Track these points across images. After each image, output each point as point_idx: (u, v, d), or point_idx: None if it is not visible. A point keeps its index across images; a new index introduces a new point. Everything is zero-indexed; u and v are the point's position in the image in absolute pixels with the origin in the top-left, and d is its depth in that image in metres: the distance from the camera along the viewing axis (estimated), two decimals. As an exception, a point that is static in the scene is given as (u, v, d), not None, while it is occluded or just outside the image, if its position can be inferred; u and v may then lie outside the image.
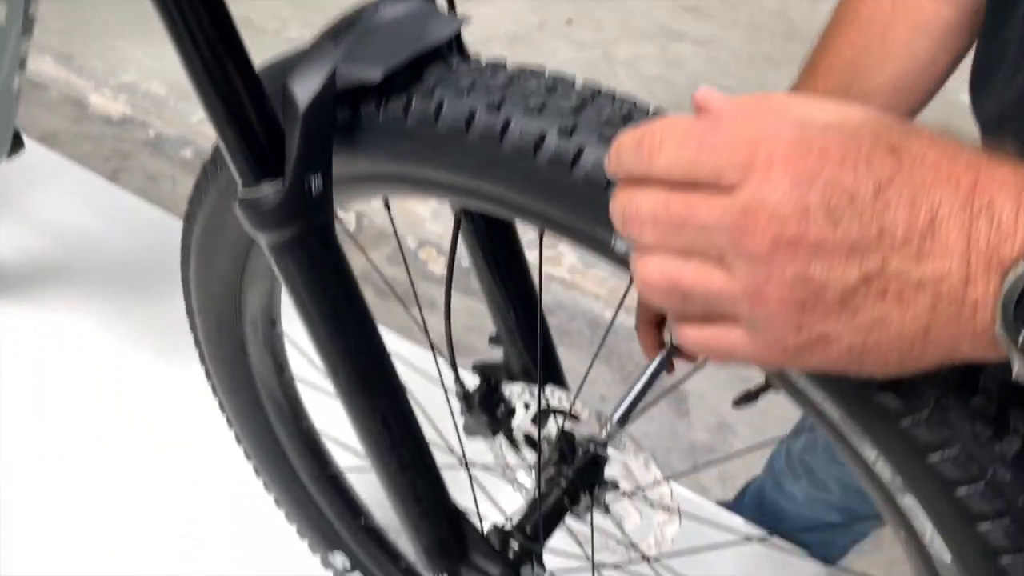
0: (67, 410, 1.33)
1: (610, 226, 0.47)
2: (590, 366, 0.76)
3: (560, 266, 2.19)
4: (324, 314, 0.56)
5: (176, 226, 0.78)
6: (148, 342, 1.42)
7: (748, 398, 0.60)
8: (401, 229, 2.32)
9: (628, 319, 0.85)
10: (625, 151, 0.38)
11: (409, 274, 0.81)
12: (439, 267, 2.21)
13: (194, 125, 2.54)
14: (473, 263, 0.72)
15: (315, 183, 0.52)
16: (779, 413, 1.85)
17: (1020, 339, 0.30)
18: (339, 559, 0.98)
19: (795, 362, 0.35)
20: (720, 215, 0.33)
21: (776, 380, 0.48)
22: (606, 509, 0.76)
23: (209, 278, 0.76)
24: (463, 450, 0.76)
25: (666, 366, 0.75)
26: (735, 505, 1.32)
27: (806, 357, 0.35)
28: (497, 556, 0.68)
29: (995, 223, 0.31)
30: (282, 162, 0.51)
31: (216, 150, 0.64)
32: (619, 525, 0.76)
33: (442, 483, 0.65)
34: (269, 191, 0.51)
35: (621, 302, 0.68)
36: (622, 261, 0.48)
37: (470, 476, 0.76)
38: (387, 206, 0.65)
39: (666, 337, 0.83)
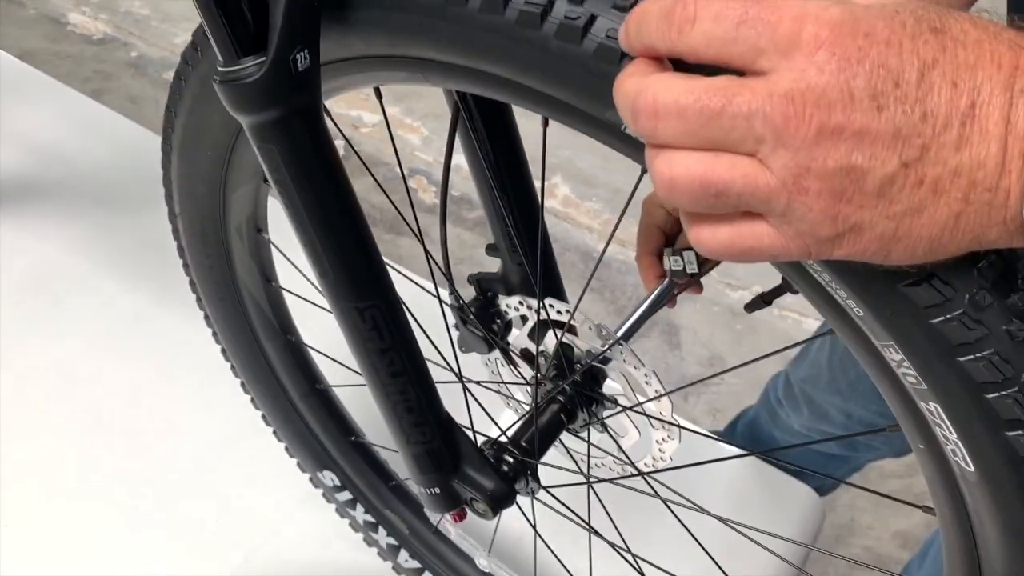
0: (48, 326, 1.30)
1: (623, 106, 0.43)
2: (588, 282, 0.72)
3: (554, 197, 2.15)
4: (310, 205, 0.52)
5: (159, 142, 0.74)
6: (131, 257, 1.39)
7: (761, 302, 0.57)
8: (389, 158, 2.27)
9: (619, 251, 0.82)
10: (649, 20, 0.34)
11: (402, 169, 0.76)
12: (429, 196, 2.17)
13: (178, 46, 2.46)
14: (471, 165, 0.68)
15: (301, 59, 0.47)
16: (773, 344, 1.85)
17: None
18: (328, 477, 0.96)
19: (823, 253, 0.34)
20: (761, 102, 0.31)
21: (795, 280, 0.45)
22: (603, 426, 0.74)
23: (191, 179, 0.72)
24: (457, 363, 0.73)
25: (668, 297, 0.72)
26: (727, 435, 1.31)
27: (835, 248, 0.33)
28: (491, 470, 0.66)
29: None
30: (265, 36, 0.47)
31: (197, 32, 0.59)
32: (616, 442, 0.74)
33: (435, 392, 0.63)
34: (252, 67, 0.47)
35: (611, 235, 0.65)
36: (634, 146, 0.44)
37: (464, 388, 0.73)
38: (378, 96, 0.61)
39: (667, 266, 0.80)
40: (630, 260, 2.01)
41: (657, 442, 0.73)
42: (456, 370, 0.72)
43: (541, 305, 0.67)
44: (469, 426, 0.69)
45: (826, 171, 0.31)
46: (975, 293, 0.38)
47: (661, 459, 0.74)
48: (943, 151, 0.30)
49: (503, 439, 0.70)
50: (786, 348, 0.65)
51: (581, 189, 2.16)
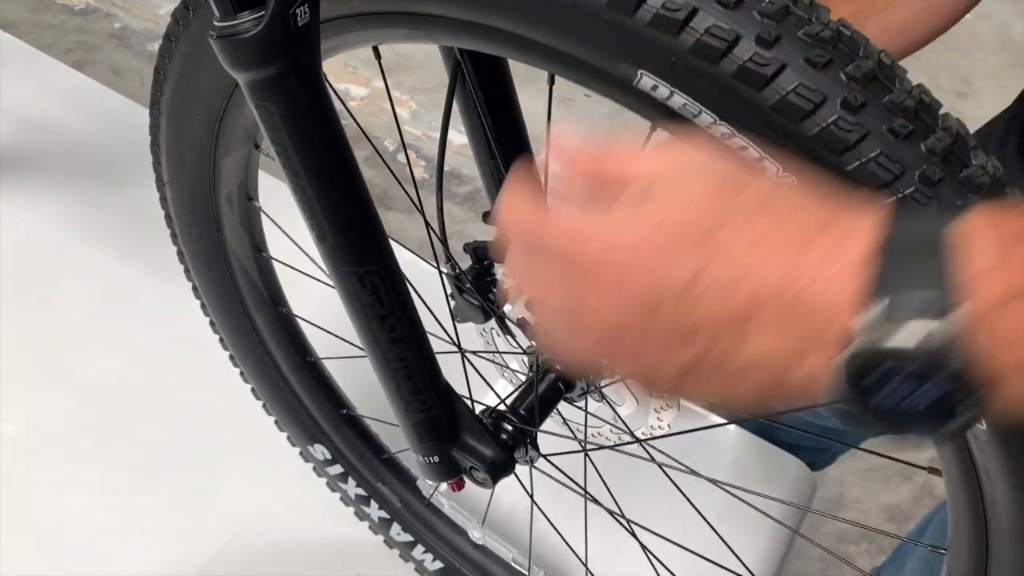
0: (33, 299, 1.28)
1: (634, 60, 0.42)
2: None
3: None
4: (309, 166, 0.51)
5: (144, 113, 0.72)
6: (117, 230, 1.36)
7: None
8: (378, 131, 2.25)
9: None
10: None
11: (402, 136, 0.75)
12: (419, 171, 2.15)
13: (163, 18, 2.42)
14: (468, 131, 0.67)
15: (301, 14, 0.46)
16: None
17: (870, 404, 0.30)
18: (319, 451, 0.95)
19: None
20: (555, 307, 0.37)
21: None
22: (601, 395, 0.74)
23: (181, 145, 0.71)
24: (456, 333, 0.72)
25: None
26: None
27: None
28: (490, 438, 0.65)
29: (822, 299, 0.30)
30: (264, -11, 0.45)
31: (188, -12, 0.58)
32: (614, 411, 0.74)
33: (434, 359, 0.62)
34: (250, 21, 0.46)
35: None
36: (646, 102, 0.43)
37: (463, 357, 0.73)
38: (377, 55, 0.59)
39: None
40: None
41: (655, 410, 0.72)
42: (455, 340, 0.71)
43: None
44: (468, 395, 0.68)
45: (628, 363, 0.35)
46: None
47: (659, 427, 0.73)
48: (727, 344, 0.32)
49: (502, 408, 0.69)
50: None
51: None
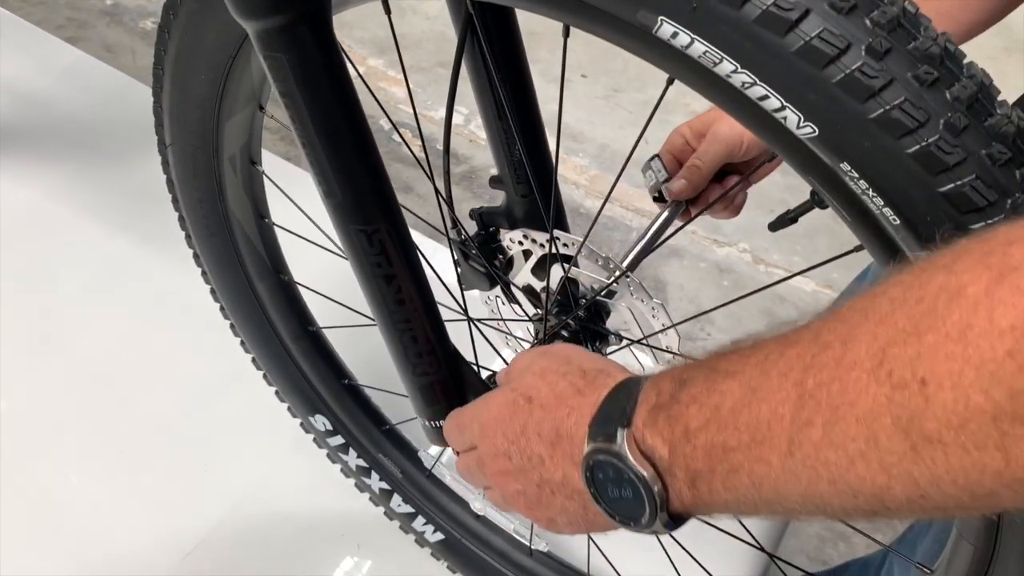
0: (31, 272, 1.27)
1: (654, 6, 0.41)
2: (598, 213, 0.70)
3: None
4: (318, 119, 0.50)
5: (140, 88, 0.71)
6: (114, 202, 1.35)
7: (787, 220, 0.56)
8: (373, 111, 2.23)
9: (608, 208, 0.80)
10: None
11: (409, 91, 0.74)
12: (417, 150, 2.13)
13: (155, -7, 2.40)
14: (477, 91, 0.66)
15: (313, -39, 0.45)
16: (757, 307, 1.84)
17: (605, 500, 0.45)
18: (320, 422, 0.95)
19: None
20: (475, 463, 0.55)
21: (827, 192, 0.43)
22: (608, 362, 0.73)
23: (184, 105, 0.70)
24: (464, 300, 0.72)
25: (679, 214, 0.71)
26: None
27: (551, 524, 0.52)
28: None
29: (574, 440, 0.46)
30: (275, -66, 0.45)
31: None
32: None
33: (441, 322, 0.61)
34: (260, -33, 0.45)
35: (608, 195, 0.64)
36: (665, 51, 0.42)
37: (470, 324, 0.72)
38: (387, 9, 0.58)
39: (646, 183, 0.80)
40: (616, 216, 2.00)
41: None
42: (463, 306, 0.71)
43: (551, 226, 0.66)
44: (475, 362, 0.68)
45: (508, 490, 0.52)
46: None
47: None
48: (546, 474, 0.48)
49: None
50: (764, 287, 0.65)
51: (567, 144, 2.14)
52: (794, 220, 0.57)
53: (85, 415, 1.13)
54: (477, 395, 0.64)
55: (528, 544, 0.92)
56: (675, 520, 0.43)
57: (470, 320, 0.72)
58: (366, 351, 1.05)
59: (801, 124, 0.40)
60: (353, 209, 0.54)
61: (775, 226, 0.58)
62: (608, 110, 2.22)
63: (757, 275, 1.91)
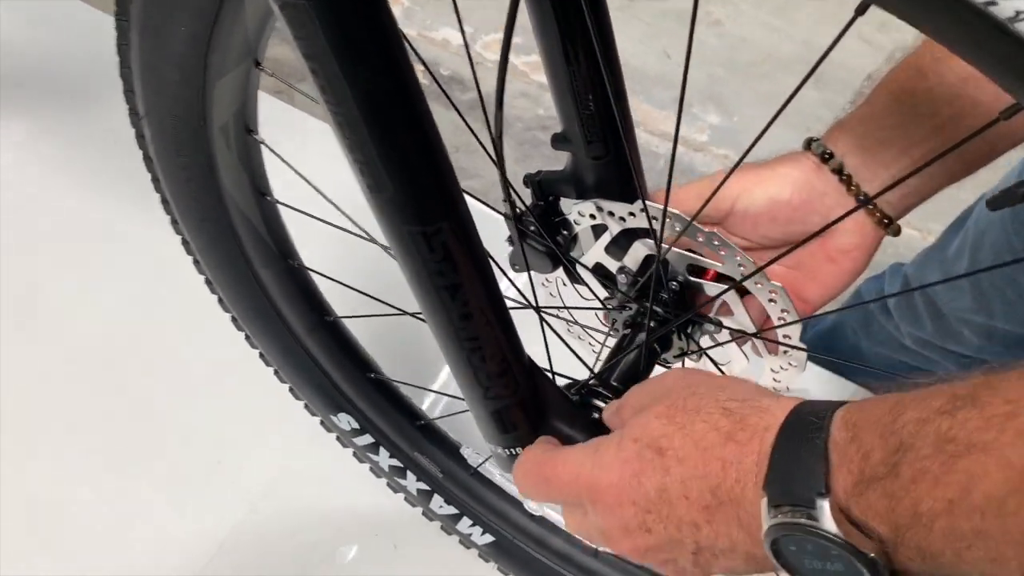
0: (5, 241, 1.12)
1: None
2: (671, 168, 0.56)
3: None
4: (358, 88, 0.36)
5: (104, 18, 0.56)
6: (97, 161, 1.18)
7: (1016, 196, 0.43)
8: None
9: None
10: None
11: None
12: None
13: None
14: (536, 23, 0.51)
15: None
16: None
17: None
18: (345, 421, 0.82)
19: None
20: (595, 533, 0.45)
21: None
22: (705, 355, 0.61)
23: (160, 65, 0.54)
24: (533, 289, 0.59)
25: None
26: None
27: None
28: (583, 422, 0.52)
29: (744, 504, 0.37)
30: None
31: None
32: (720, 371, 0.61)
33: (516, 336, 0.48)
34: None
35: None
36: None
37: (541, 320, 0.59)
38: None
39: None
40: (642, 142, 1.85)
41: (772, 371, 0.59)
42: (530, 298, 0.58)
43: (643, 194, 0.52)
44: (548, 368, 0.55)
45: (659, 565, 0.43)
46: None
47: (775, 390, 0.61)
48: (706, 540, 0.39)
49: (589, 380, 0.56)
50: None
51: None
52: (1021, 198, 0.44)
53: (75, 411, 1.01)
54: (560, 414, 0.52)
55: (591, 544, 0.81)
56: None
57: (541, 316, 0.59)
58: (394, 340, 0.92)
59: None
60: (409, 205, 0.40)
61: (995, 204, 0.45)
62: (624, 21, 2.02)
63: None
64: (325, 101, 0.37)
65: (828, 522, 0.33)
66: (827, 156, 0.56)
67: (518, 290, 0.56)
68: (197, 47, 0.52)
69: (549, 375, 0.52)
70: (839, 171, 0.55)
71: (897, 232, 0.57)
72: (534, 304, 0.58)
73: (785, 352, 0.57)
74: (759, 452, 0.37)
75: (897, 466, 0.32)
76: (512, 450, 0.52)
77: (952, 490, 0.30)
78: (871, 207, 0.55)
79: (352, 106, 0.37)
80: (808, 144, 0.57)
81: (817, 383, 0.93)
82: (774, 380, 0.59)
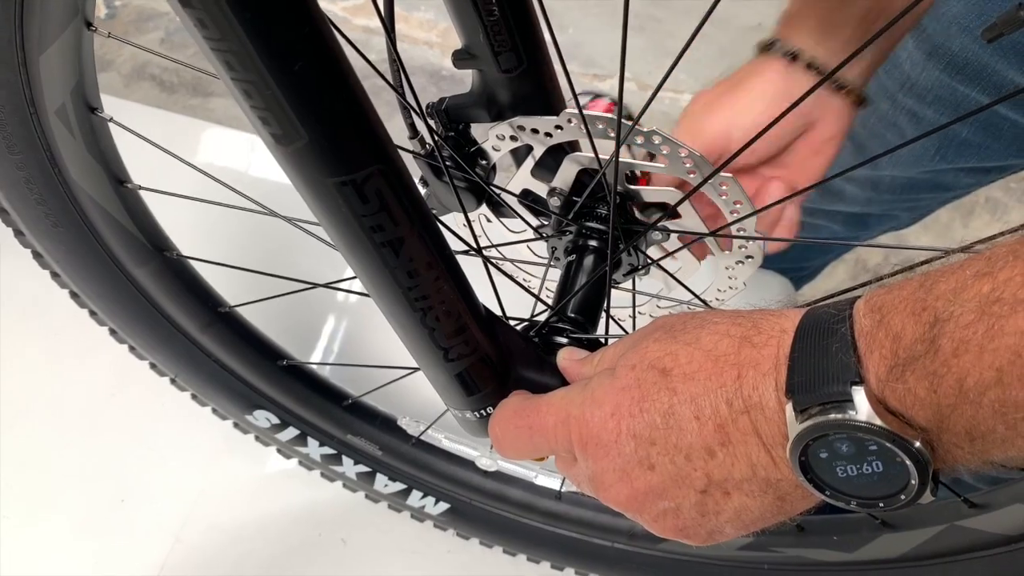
0: None
1: None
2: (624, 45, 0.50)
3: (374, 17, 1.85)
4: (249, 14, 0.28)
5: None
6: None
7: (1010, 24, 0.39)
8: None
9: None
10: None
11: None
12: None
13: None
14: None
15: None
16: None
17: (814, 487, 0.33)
18: (262, 418, 0.74)
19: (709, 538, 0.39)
20: (585, 482, 0.40)
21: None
22: (656, 266, 0.56)
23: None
24: (473, 233, 0.52)
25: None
26: None
27: (713, 536, 0.38)
28: (550, 364, 0.47)
29: (765, 413, 0.33)
30: None
31: None
32: (676, 280, 0.56)
33: (468, 285, 0.42)
34: None
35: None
36: None
37: (486, 263, 0.53)
38: None
39: None
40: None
41: (727, 267, 0.56)
42: (472, 242, 0.51)
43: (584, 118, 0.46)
44: (502, 314, 0.49)
45: (654, 518, 0.38)
46: None
47: (731, 287, 0.57)
48: (720, 470, 0.34)
49: (540, 318, 0.51)
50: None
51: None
52: (1015, 27, 0.40)
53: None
54: (527, 362, 0.47)
55: (557, 488, 0.77)
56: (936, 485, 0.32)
57: (485, 260, 0.52)
58: (300, 321, 0.84)
59: None
60: (329, 152, 0.33)
61: (992, 35, 0.41)
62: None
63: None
64: (205, 37, 0.29)
65: (866, 413, 0.30)
66: (793, 56, 0.54)
67: (454, 234, 0.49)
68: (4, 15, 0.42)
69: (506, 322, 0.46)
70: (811, 66, 0.54)
71: (866, 103, 0.57)
72: (475, 246, 0.51)
73: (742, 246, 0.53)
74: (777, 356, 0.33)
75: (935, 341, 0.28)
76: (483, 411, 0.46)
77: (1002, 356, 0.27)
78: (848, 89, 0.54)
79: (241, 36, 0.29)
80: (767, 47, 0.55)
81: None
82: (729, 279, 0.56)
